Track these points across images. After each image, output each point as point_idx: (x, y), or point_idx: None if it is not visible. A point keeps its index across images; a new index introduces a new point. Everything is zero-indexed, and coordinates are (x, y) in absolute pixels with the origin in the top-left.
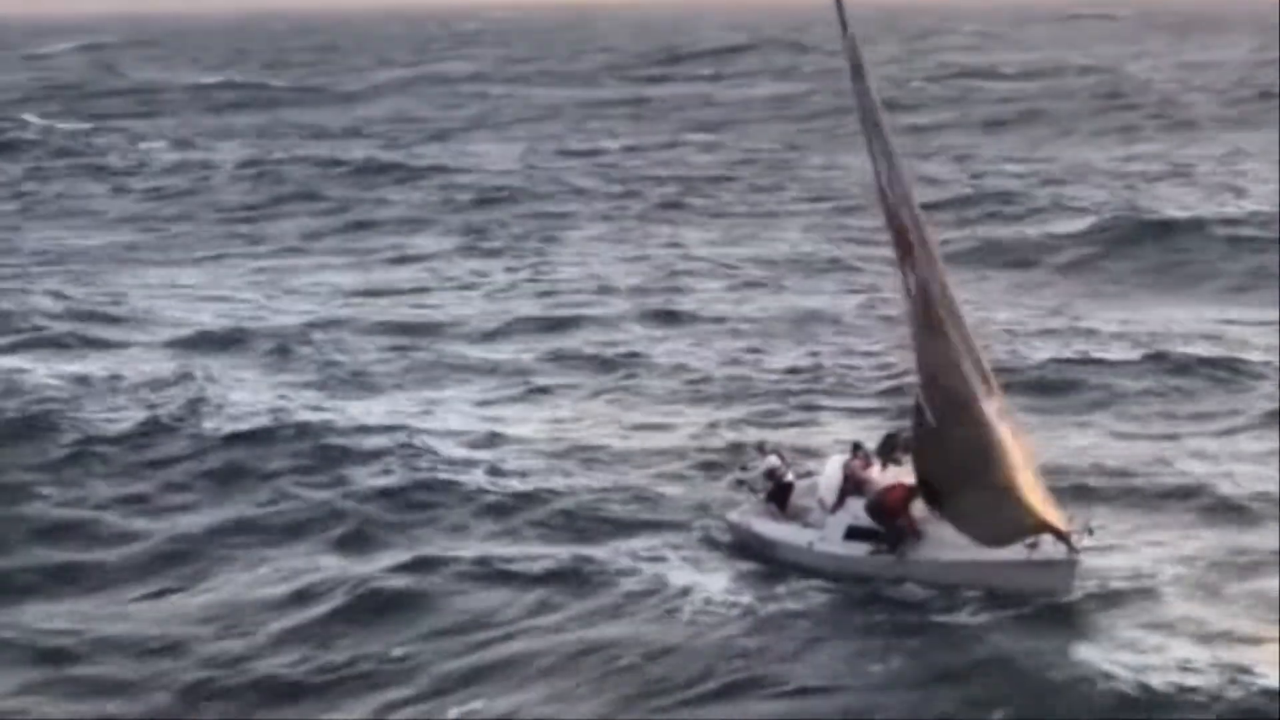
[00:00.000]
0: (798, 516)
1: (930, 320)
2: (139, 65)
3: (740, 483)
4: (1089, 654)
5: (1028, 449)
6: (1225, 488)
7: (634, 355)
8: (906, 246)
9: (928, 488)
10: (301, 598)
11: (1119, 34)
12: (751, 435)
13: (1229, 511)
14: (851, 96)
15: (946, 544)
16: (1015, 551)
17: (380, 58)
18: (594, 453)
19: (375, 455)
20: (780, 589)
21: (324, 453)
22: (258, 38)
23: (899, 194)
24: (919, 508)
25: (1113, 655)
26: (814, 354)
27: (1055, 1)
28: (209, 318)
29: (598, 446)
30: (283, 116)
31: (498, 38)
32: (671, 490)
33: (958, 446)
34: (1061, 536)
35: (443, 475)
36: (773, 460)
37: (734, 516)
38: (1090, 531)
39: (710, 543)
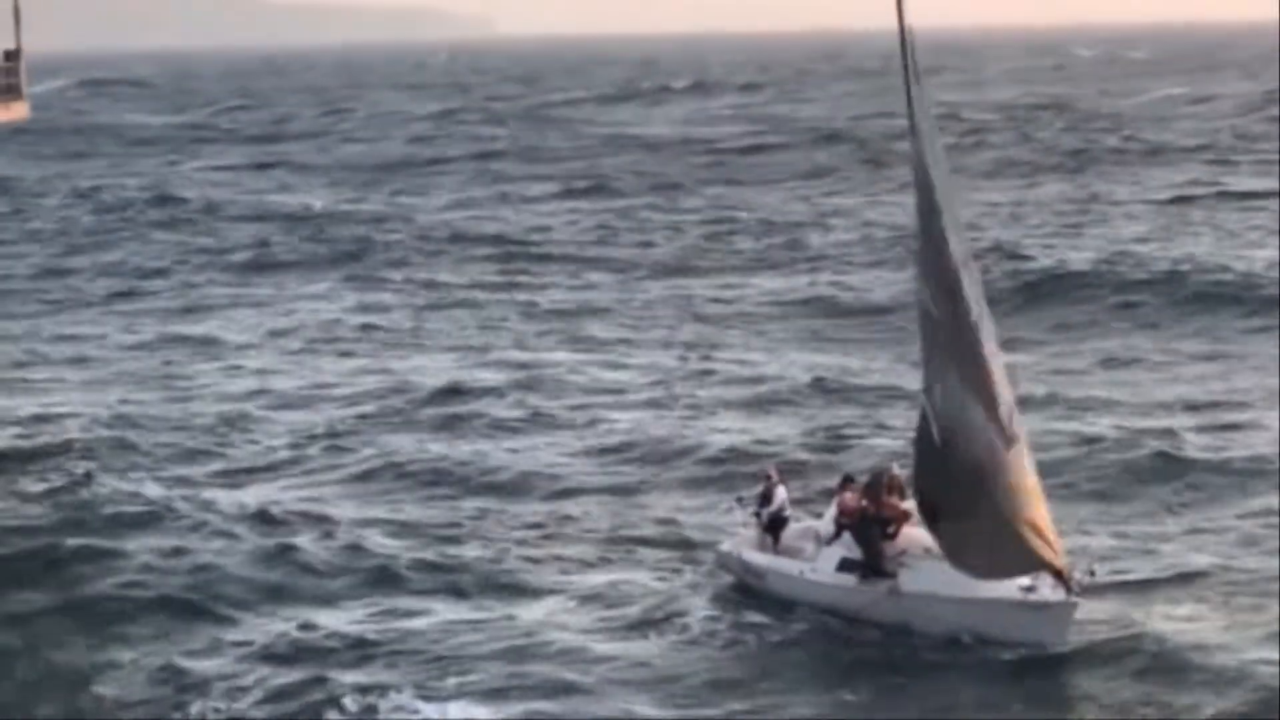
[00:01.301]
0: (790, 554)
1: (957, 335)
2: (114, 104)
3: (756, 515)
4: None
5: (1036, 483)
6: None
7: (637, 393)
8: (947, 259)
9: (927, 507)
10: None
11: (1120, 72)
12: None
13: (1228, 580)
14: (905, 105)
15: (939, 580)
16: (1009, 592)
17: (375, 95)
18: (591, 484)
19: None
20: (765, 621)
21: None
22: (265, 76)
23: (943, 204)
24: (911, 540)
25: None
26: (829, 408)
27: (1060, 38)
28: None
29: (594, 478)
30: (236, 158)
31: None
32: (666, 520)
33: (962, 468)
34: (1060, 578)
35: (451, 497)
36: (782, 492)
37: (725, 547)
38: (1093, 574)
39: (703, 574)
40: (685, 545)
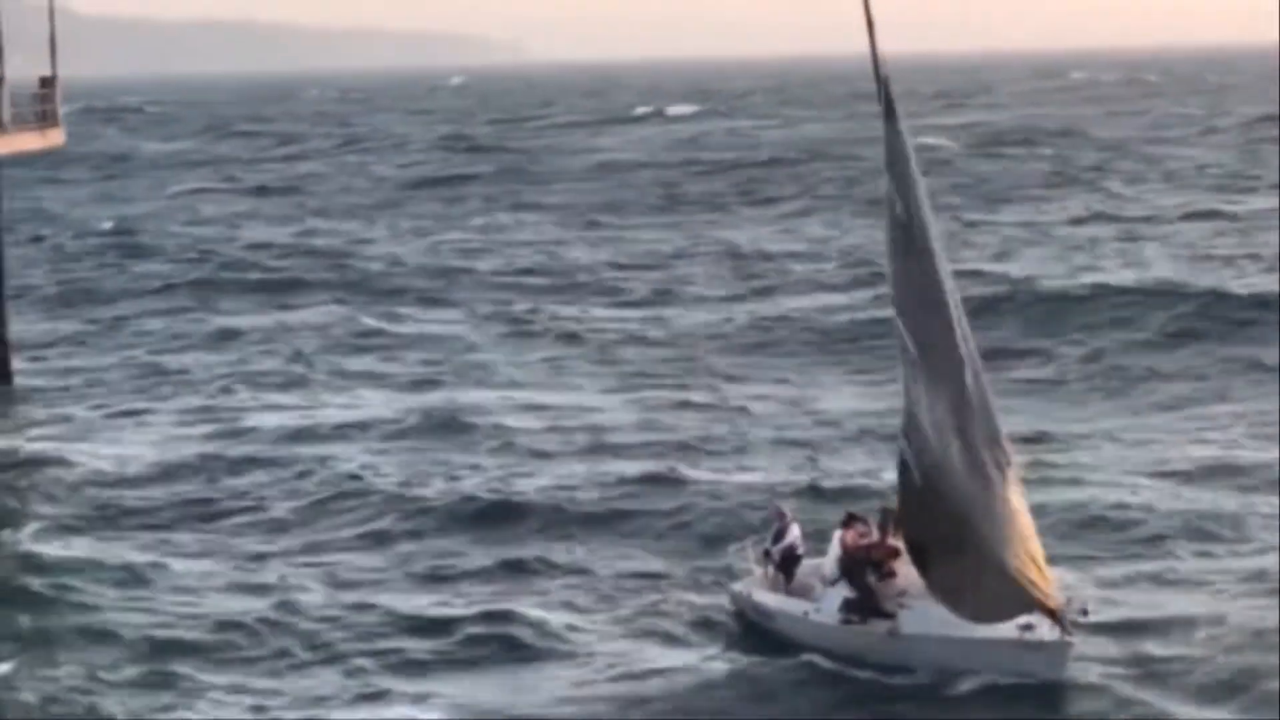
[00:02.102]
0: (802, 593)
1: (934, 370)
2: (123, 131)
3: (766, 554)
4: None
5: (1027, 514)
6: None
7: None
8: (926, 290)
9: (916, 551)
10: None
11: (1136, 94)
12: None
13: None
14: (883, 138)
15: (937, 620)
16: (1007, 631)
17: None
18: (597, 520)
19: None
20: (765, 657)
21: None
22: (278, 102)
23: (924, 241)
24: (911, 579)
25: None
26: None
27: (1062, 61)
28: None
29: (600, 514)
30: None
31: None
32: (676, 555)
33: (946, 511)
34: (1054, 616)
35: (451, 529)
36: (795, 530)
37: (737, 587)
38: (1085, 613)
39: (709, 611)
40: (694, 583)
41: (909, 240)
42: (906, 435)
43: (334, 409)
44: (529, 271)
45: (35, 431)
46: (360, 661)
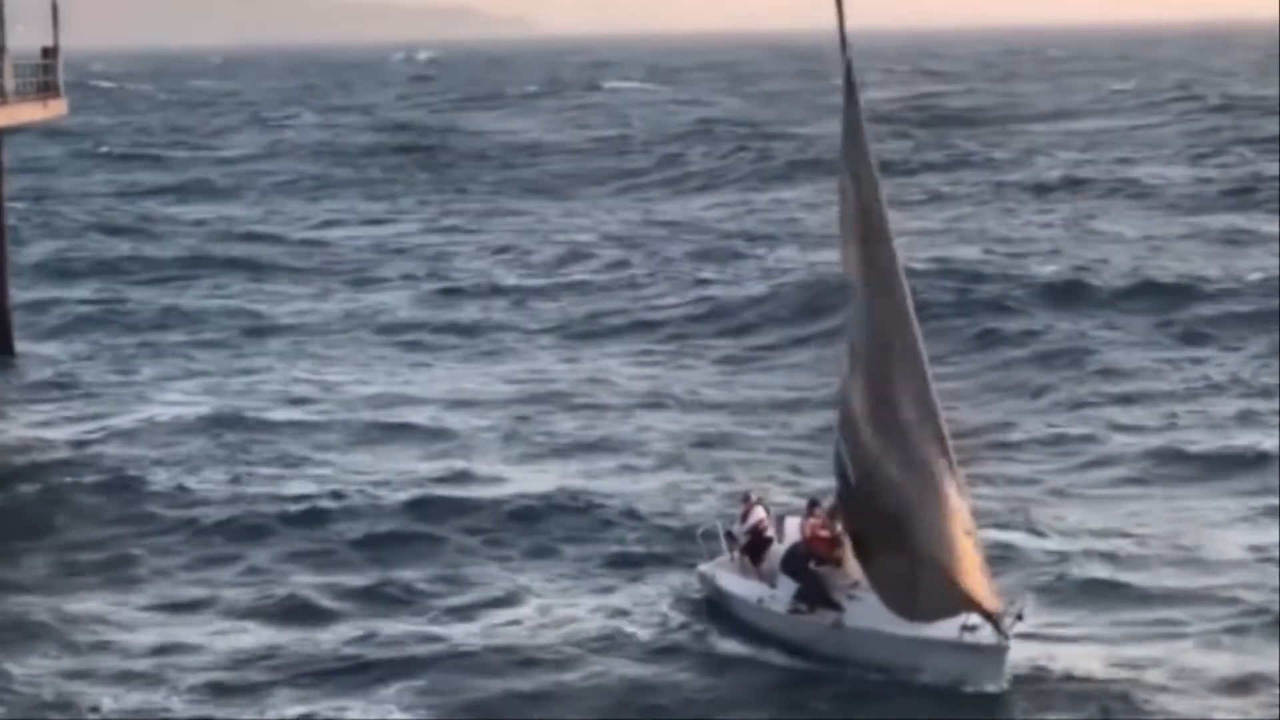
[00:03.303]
0: (769, 577)
1: (875, 361)
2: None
3: (729, 535)
4: None
5: (968, 514)
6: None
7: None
8: (873, 277)
9: (855, 545)
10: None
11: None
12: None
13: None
14: (841, 116)
15: (882, 615)
16: (948, 631)
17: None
18: (567, 505)
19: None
20: (734, 648)
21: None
22: (242, 77)
23: (875, 222)
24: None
25: None
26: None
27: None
28: None
29: (580, 497)
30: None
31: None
32: (651, 538)
33: (880, 508)
34: (991, 619)
35: (414, 515)
36: (760, 513)
37: (704, 568)
38: (1020, 617)
39: (672, 595)
40: (664, 565)
41: (865, 226)
42: (841, 430)
43: (298, 397)
44: (444, 254)
45: (38, 409)
46: (337, 661)
